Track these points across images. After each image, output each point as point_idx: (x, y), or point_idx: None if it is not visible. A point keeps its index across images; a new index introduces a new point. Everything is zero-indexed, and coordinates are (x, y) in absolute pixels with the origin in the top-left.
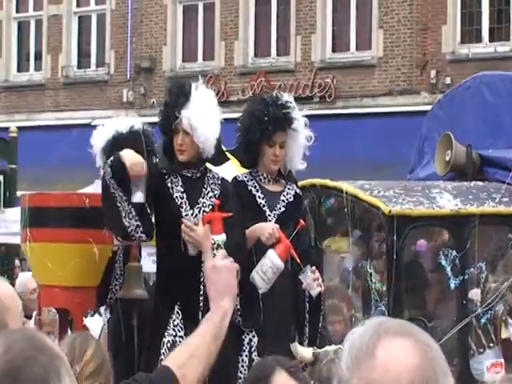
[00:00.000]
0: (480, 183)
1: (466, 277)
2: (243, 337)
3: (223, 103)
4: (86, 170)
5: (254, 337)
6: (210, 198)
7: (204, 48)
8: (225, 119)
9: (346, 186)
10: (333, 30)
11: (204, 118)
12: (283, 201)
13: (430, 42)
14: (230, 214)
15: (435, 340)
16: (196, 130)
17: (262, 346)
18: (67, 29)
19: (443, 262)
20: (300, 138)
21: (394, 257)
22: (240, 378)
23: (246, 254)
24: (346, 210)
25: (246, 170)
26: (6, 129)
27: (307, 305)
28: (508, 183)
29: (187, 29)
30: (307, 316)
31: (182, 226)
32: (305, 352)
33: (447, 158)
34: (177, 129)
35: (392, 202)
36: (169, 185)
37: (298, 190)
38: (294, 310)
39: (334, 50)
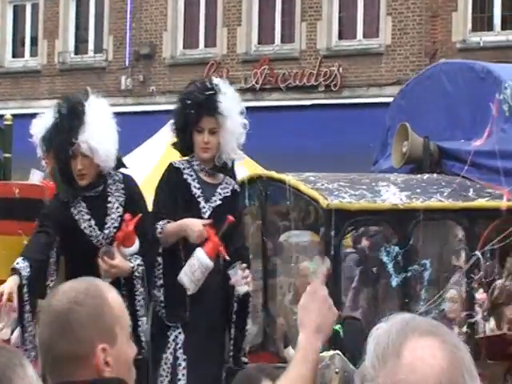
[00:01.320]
0: (433, 176)
1: (409, 274)
2: (168, 333)
3: None
4: None
5: (180, 333)
6: (117, 208)
7: (206, 34)
8: None
9: (289, 178)
10: (339, 17)
11: (103, 137)
12: (220, 194)
13: (440, 29)
14: (140, 215)
15: None
16: (97, 151)
17: (189, 344)
18: (64, 13)
19: (385, 259)
20: (230, 125)
21: (332, 252)
22: (162, 375)
23: (169, 247)
24: (288, 202)
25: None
26: (1, 116)
27: (235, 305)
28: (463, 176)
29: (188, 14)
30: (234, 316)
31: (102, 266)
32: None
33: (404, 150)
34: (74, 154)
35: (333, 195)
36: (74, 216)
37: (236, 186)
38: (224, 308)
39: (340, 38)
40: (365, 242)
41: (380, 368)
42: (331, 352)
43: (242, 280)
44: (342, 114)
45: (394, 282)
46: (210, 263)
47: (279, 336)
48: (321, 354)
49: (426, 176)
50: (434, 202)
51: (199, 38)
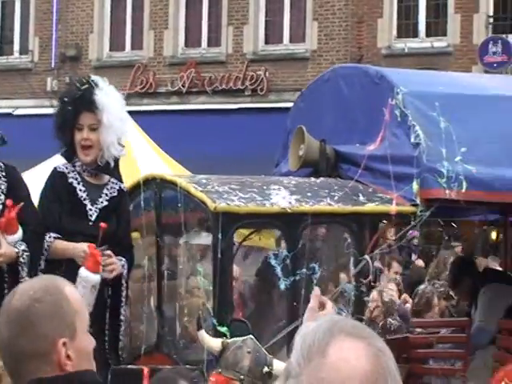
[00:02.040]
0: (328, 180)
1: (298, 278)
2: None
3: (151, 94)
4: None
5: None
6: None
7: (132, 37)
8: (152, 111)
9: (180, 180)
10: (266, 21)
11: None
12: (106, 195)
13: (366, 35)
14: (22, 204)
15: (262, 343)
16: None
17: None
18: None
19: (273, 262)
20: (108, 119)
21: (219, 255)
22: None
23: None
24: (179, 205)
25: None
26: None
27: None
28: (356, 180)
29: (115, 16)
30: (107, 320)
31: None
32: (213, 341)
33: (300, 153)
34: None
35: (222, 198)
36: None
37: (122, 186)
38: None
39: (266, 42)
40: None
41: (305, 365)
42: (245, 337)
43: (107, 267)
44: (268, 118)
45: (283, 285)
46: (95, 278)
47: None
48: (234, 339)
49: (320, 180)
50: (323, 206)
51: (126, 40)
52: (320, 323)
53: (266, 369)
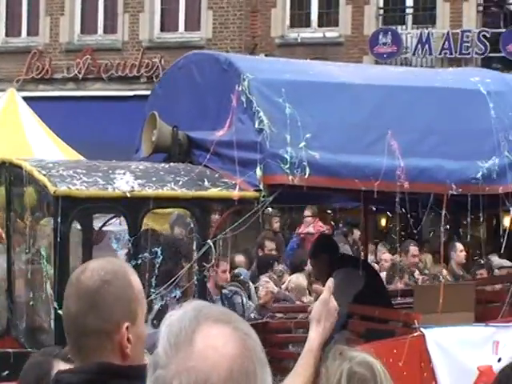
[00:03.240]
0: (177, 165)
1: (140, 261)
2: None
3: (47, 80)
4: None
5: None
6: None
7: (28, 22)
8: (48, 97)
9: (25, 163)
10: (161, 9)
11: None
12: None
13: (260, 25)
14: None
15: None
16: None
17: None
18: None
19: (115, 246)
20: None
21: (59, 239)
22: None
23: None
24: (24, 189)
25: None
26: None
27: None
28: (205, 165)
29: (11, 1)
30: None
31: None
32: None
33: (153, 139)
34: None
35: (65, 181)
36: None
37: None
38: None
39: (162, 30)
40: (177, 230)
41: (172, 355)
42: None
43: None
44: None
45: None
46: None
47: None
48: None
49: (169, 165)
50: (165, 191)
51: (22, 26)
52: (185, 311)
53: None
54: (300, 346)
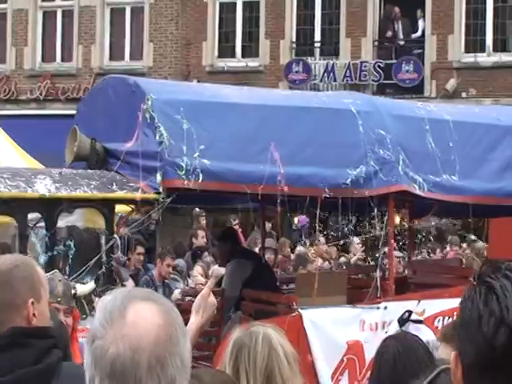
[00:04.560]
0: (94, 172)
1: (55, 253)
2: None
3: (13, 101)
4: None
5: None
6: None
7: None
8: (15, 115)
9: None
10: (110, 42)
11: None
12: None
13: (193, 55)
14: None
15: None
16: None
17: None
18: None
19: (33, 239)
20: None
21: None
22: None
23: None
24: None
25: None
26: None
27: None
28: (117, 172)
29: None
30: None
31: None
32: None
33: (74, 149)
34: None
35: None
36: None
37: None
38: None
39: (110, 59)
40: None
41: (108, 327)
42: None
43: None
44: None
45: (42, 259)
46: None
47: None
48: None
49: (86, 171)
50: (78, 193)
51: None
52: (116, 294)
53: (73, 291)
54: None
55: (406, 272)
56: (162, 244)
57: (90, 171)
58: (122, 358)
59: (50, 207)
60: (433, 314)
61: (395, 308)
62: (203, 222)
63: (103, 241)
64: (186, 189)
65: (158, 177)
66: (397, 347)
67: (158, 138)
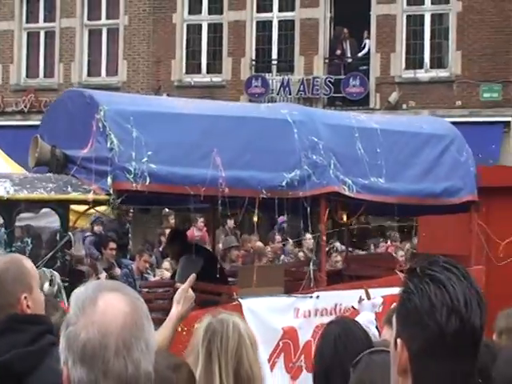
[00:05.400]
0: (52, 175)
1: (14, 249)
2: None
3: (0, 113)
4: None
5: None
6: None
7: None
8: (1, 126)
9: None
10: (88, 60)
11: None
12: None
13: (163, 71)
14: None
15: None
16: None
17: None
18: None
19: None
20: None
21: None
22: None
23: None
24: None
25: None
26: None
27: None
28: (73, 175)
29: None
30: None
31: None
32: None
33: (36, 155)
34: None
35: None
36: None
37: None
38: None
39: (89, 75)
40: (96, 227)
41: (80, 314)
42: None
43: None
44: None
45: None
46: None
47: None
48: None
49: (45, 175)
50: (35, 195)
51: None
52: (88, 286)
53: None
54: (158, 313)
55: (342, 265)
56: (135, 241)
57: (48, 175)
58: (92, 341)
59: (9, 208)
60: None
61: (327, 297)
62: (172, 221)
63: (58, 237)
64: (135, 191)
65: (109, 180)
66: (337, 330)
67: (109, 144)
